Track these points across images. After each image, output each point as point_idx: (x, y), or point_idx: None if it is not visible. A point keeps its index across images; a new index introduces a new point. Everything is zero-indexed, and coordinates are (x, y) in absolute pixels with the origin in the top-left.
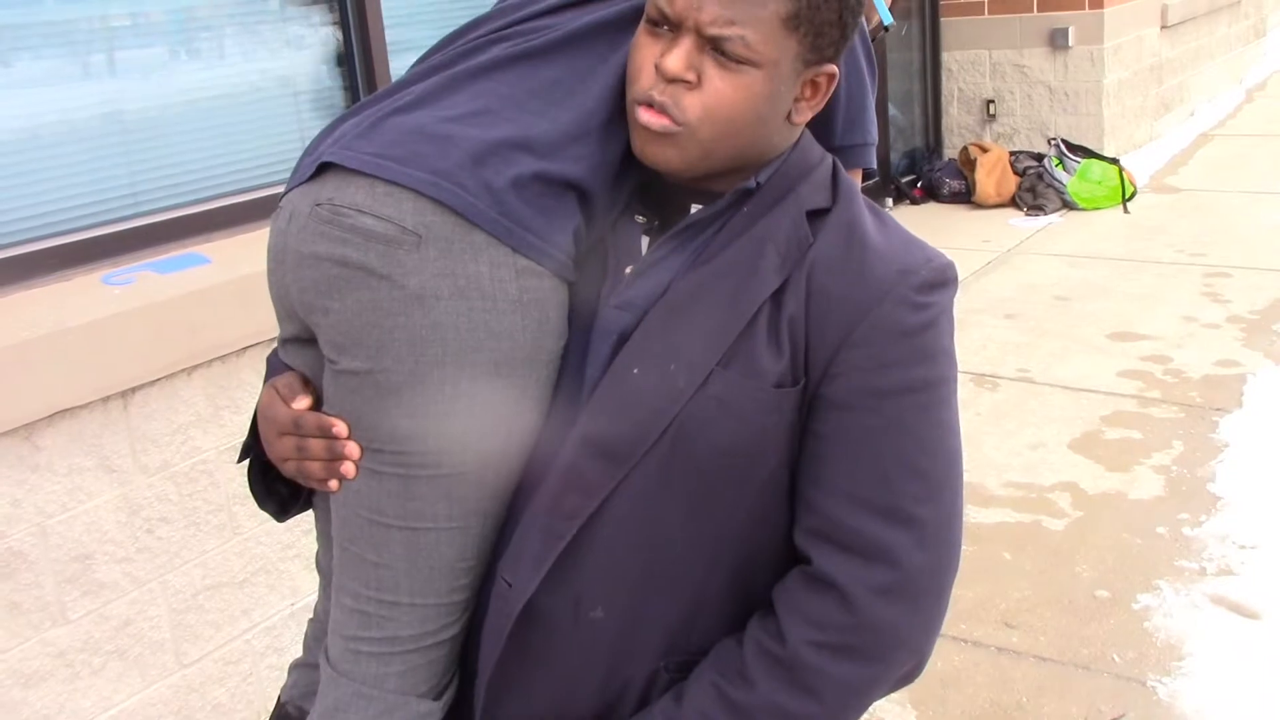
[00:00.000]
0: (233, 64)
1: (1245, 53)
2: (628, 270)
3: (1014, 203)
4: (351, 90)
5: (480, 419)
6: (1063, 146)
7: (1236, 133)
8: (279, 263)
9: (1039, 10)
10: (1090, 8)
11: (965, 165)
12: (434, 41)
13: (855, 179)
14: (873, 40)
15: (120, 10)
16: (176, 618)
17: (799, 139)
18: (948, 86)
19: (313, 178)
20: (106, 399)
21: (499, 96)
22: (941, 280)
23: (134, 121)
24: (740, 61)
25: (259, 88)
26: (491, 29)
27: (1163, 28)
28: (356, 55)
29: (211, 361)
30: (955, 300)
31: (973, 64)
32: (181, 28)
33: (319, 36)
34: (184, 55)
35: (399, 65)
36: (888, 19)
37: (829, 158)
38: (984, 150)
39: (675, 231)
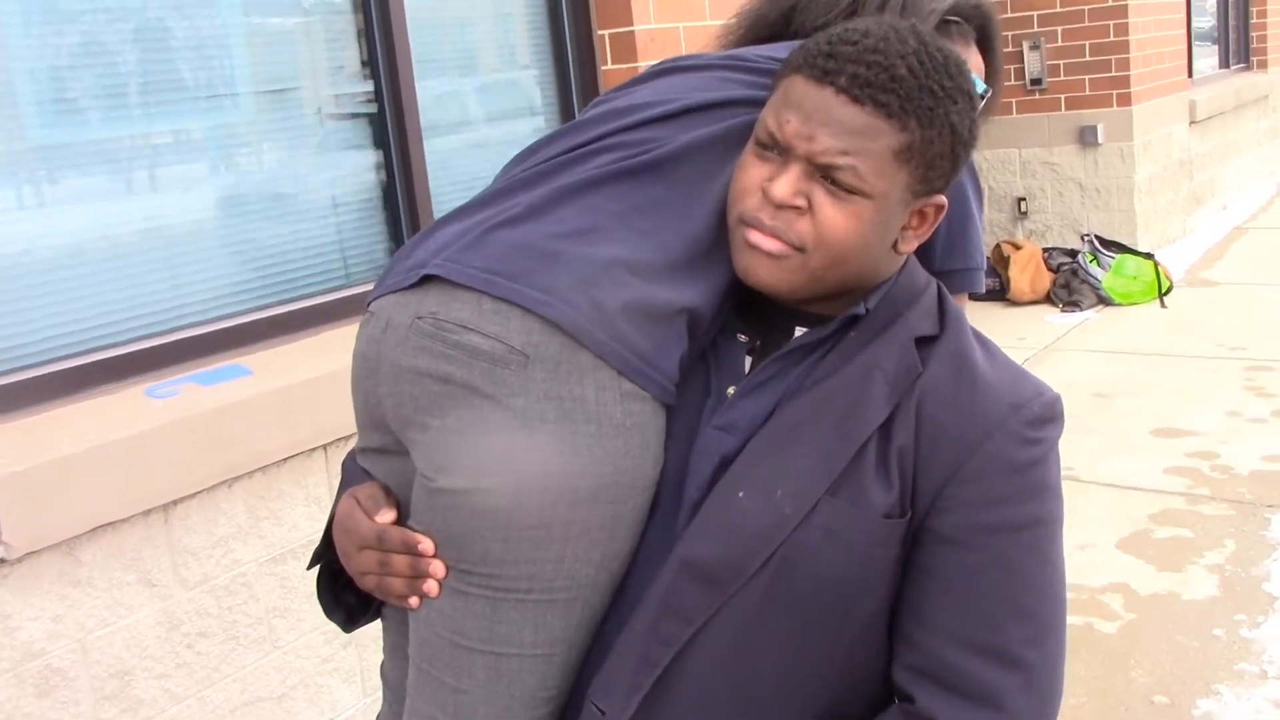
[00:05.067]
0: (273, 177)
1: (1275, 146)
2: (730, 390)
3: (1049, 299)
4: (391, 202)
5: (576, 545)
6: (1096, 242)
7: (1270, 226)
8: (371, 372)
9: (1067, 109)
10: (1119, 105)
11: (999, 263)
12: (468, 158)
13: (961, 304)
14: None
15: (161, 128)
16: None
17: (905, 263)
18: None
19: (412, 286)
20: (148, 512)
21: (607, 213)
22: (1051, 415)
23: (176, 235)
24: (851, 191)
25: (299, 201)
26: (594, 136)
27: (1191, 123)
28: (396, 167)
29: (253, 473)
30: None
31: (1003, 162)
32: (222, 143)
33: (359, 148)
34: (224, 170)
35: (438, 176)
36: (981, 86)
37: (934, 282)
38: (1017, 248)
39: (781, 354)
